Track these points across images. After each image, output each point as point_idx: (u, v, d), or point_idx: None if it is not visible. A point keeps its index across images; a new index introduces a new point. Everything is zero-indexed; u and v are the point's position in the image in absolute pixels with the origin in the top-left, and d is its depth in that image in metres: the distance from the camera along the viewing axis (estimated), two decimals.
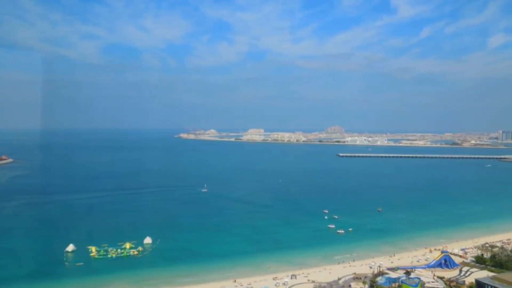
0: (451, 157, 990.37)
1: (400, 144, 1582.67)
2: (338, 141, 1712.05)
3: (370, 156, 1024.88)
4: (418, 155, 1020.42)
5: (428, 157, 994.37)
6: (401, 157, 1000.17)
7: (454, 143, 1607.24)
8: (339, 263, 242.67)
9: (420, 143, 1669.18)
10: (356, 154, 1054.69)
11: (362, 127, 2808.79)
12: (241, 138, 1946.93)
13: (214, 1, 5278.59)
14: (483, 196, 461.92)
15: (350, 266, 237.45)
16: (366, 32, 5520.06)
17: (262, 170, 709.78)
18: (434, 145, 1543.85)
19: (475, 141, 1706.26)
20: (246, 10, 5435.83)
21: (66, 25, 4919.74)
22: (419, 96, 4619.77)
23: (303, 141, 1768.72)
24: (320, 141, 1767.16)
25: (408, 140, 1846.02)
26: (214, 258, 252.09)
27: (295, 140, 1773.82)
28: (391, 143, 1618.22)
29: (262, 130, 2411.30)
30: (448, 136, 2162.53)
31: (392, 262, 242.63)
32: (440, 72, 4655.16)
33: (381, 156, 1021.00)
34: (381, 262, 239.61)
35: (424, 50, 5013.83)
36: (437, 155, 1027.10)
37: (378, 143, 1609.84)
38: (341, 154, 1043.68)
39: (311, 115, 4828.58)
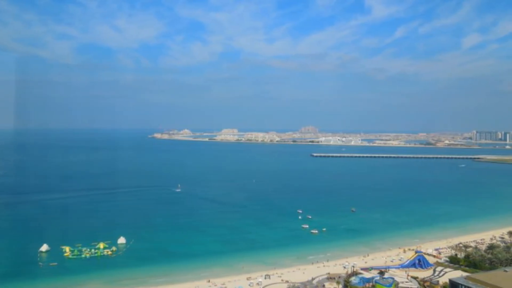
0: (425, 157, 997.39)
1: (374, 144, 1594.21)
2: (312, 141, 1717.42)
3: (344, 156, 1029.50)
4: (392, 155, 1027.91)
5: (402, 157, 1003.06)
6: (375, 157, 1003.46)
7: (428, 143, 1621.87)
8: (313, 263, 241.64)
9: (394, 143, 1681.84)
10: (330, 154, 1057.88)
11: (336, 127, 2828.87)
12: (215, 138, 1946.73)
13: (188, 1, 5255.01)
14: (457, 196, 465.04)
15: (324, 266, 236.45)
16: (340, 32, 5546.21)
17: (236, 170, 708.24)
18: (408, 145, 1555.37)
19: (449, 141, 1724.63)
20: (220, 10, 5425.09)
21: (40, 25, 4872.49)
22: (393, 96, 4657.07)
23: (277, 141, 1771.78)
24: (294, 141, 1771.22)
25: (382, 140, 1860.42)
26: (188, 258, 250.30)
27: (269, 140, 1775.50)
28: (365, 143, 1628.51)
29: (236, 130, 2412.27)
30: (422, 136, 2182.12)
31: (366, 262, 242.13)
32: (415, 72, 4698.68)
33: (355, 156, 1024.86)
34: (355, 262, 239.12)
35: (398, 50, 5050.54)
36: (411, 155, 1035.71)
37: (352, 143, 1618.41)
38: (315, 154, 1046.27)
39: (285, 115, 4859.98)
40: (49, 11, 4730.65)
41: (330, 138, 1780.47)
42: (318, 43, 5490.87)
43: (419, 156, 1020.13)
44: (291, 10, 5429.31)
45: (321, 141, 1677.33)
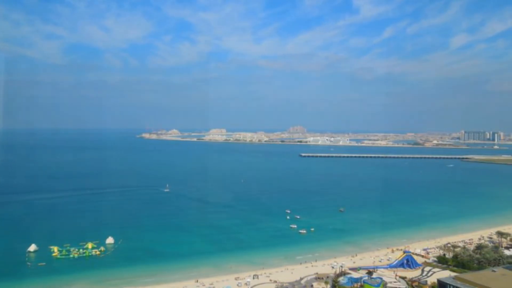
0: (413, 157, 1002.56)
1: (362, 144, 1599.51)
2: (301, 141, 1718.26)
3: (332, 156, 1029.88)
4: (380, 155, 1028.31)
5: (390, 157, 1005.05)
6: (363, 157, 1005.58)
7: (416, 143, 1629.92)
8: (301, 263, 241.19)
9: (382, 143, 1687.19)
10: (318, 154, 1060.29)
11: (324, 127, 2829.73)
12: (203, 138, 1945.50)
13: (176, 1, 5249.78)
14: (445, 196, 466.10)
15: (312, 266, 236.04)
16: (328, 32, 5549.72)
17: (224, 170, 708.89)
18: (396, 145, 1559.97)
19: (437, 141, 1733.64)
20: (208, 10, 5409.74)
21: (27, 25, 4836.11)
22: (381, 96, 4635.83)
23: (265, 141, 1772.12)
24: (282, 141, 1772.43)
25: (370, 140, 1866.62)
26: (176, 258, 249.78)
27: (257, 140, 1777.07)
28: (353, 143, 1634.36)
29: (224, 130, 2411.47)
30: (410, 136, 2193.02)
31: (354, 262, 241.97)
32: (402, 72, 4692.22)
33: (343, 156, 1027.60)
34: (343, 262, 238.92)
35: (386, 50, 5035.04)
36: (399, 155, 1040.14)
37: (340, 143, 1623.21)
38: (303, 154, 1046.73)
39: (273, 115, 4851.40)
40: (37, 11, 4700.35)
41: (318, 138, 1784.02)
42: (306, 43, 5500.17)
43: (407, 156, 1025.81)
44: (279, 10, 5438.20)
45: (309, 141, 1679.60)
